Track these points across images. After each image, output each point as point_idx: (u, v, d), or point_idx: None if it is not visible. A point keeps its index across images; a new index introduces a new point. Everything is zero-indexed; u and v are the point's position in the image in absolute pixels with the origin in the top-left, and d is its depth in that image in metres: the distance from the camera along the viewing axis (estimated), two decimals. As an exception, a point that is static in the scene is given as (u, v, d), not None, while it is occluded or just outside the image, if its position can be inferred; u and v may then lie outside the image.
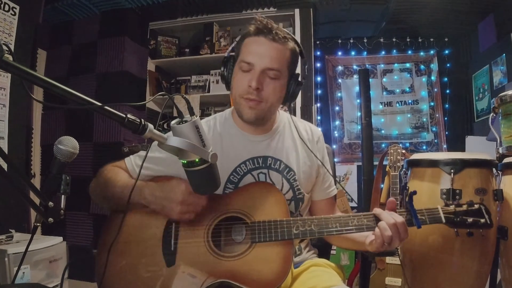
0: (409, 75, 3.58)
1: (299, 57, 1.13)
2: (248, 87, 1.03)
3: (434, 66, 3.54)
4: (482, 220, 0.99)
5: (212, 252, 0.98)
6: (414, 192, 0.99)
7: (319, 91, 3.59)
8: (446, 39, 3.51)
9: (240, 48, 1.09)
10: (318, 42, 3.58)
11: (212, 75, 3.15)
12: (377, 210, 0.98)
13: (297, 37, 2.87)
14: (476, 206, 1.01)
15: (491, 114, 1.51)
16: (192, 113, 0.81)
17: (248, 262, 0.95)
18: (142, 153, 1.15)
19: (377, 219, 0.97)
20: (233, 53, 1.14)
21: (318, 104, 3.53)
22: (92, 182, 1.13)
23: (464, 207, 1.00)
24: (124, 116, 0.71)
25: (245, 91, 1.05)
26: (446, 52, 3.52)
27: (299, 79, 1.12)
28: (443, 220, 0.99)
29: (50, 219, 0.76)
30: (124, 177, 1.09)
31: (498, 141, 1.48)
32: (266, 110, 1.08)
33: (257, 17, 1.07)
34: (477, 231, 1.04)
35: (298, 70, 1.14)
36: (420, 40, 3.51)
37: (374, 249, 0.97)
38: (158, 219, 1.02)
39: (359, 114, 3.36)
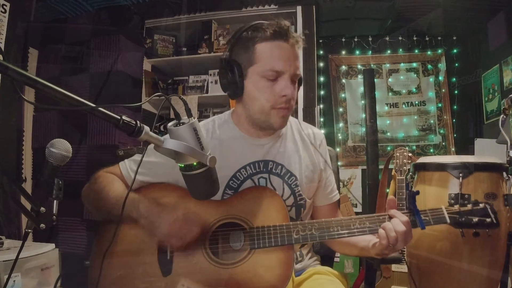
0: (415, 75, 3.51)
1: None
2: (281, 96, 1.01)
3: (442, 65, 3.47)
4: (488, 220, 0.98)
5: (210, 260, 0.96)
6: (417, 192, 0.98)
7: (322, 92, 3.53)
8: (454, 38, 3.44)
9: (253, 55, 1.02)
10: (321, 41, 3.51)
11: (210, 75, 3.10)
12: (391, 211, 0.96)
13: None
14: (482, 205, 0.99)
15: (501, 115, 1.49)
16: (190, 114, 0.79)
17: (247, 269, 0.94)
18: (137, 157, 1.13)
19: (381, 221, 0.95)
20: (228, 55, 1.06)
21: (321, 106, 3.47)
22: (84, 188, 1.10)
23: (469, 207, 0.99)
24: (119, 117, 0.70)
25: (277, 102, 1.02)
26: (455, 51, 3.45)
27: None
28: (448, 220, 0.97)
29: (42, 225, 0.75)
30: (118, 187, 1.06)
31: (509, 144, 1.45)
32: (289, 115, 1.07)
33: (264, 23, 1.03)
34: (483, 231, 1.02)
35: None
36: (427, 38, 3.44)
37: (378, 251, 0.95)
38: None
39: (363, 115, 3.31)
